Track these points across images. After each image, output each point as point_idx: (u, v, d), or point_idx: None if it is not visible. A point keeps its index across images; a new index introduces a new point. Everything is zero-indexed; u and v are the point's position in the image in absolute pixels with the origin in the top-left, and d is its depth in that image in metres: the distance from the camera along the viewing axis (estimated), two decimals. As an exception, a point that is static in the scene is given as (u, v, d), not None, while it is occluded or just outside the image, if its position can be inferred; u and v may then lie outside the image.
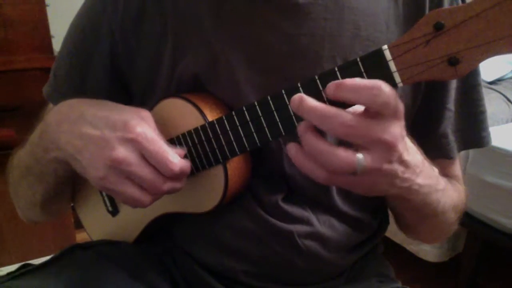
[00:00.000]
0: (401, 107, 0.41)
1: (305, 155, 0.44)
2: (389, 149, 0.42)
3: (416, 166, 0.47)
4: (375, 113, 0.41)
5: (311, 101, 0.42)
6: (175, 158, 0.50)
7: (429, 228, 0.67)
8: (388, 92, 0.40)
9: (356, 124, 0.40)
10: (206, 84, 0.58)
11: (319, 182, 0.44)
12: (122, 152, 0.49)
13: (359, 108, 0.42)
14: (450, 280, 1.74)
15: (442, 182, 0.58)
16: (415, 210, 0.58)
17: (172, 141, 0.56)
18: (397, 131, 0.42)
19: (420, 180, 0.49)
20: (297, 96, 0.43)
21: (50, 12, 1.44)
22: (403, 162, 0.45)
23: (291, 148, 0.45)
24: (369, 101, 0.40)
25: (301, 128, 0.43)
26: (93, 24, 0.60)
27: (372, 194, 0.49)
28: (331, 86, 0.41)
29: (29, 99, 1.35)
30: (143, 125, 0.51)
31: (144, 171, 0.50)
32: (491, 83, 2.02)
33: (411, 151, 0.46)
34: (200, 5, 0.57)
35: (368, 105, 0.40)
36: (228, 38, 0.56)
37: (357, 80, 0.40)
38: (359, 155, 0.42)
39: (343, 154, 0.41)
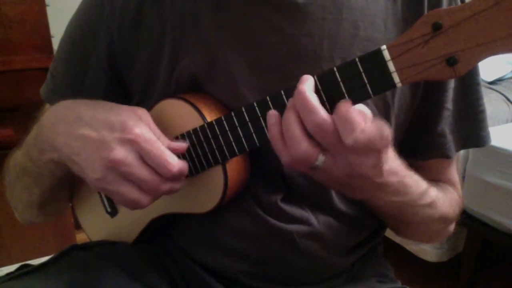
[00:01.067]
0: (387, 142, 0.43)
1: (280, 131, 0.45)
2: (361, 177, 0.45)
3: (387, 186, 0.49)
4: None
5: (311, 93, 0.43)
6: (173, 159, 0.50)
7: (412, 234, 0.70)
8: (368, 139, 0.41)
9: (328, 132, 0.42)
10: (205, 85, 0.58)
11: (282, 163, 0.46)
12: (120, 153, 0.49)
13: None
14: (450, 280, 1.74)
15: (428, 196, 0.59)
16: (389, 217, 0.61)
17: None
18: (370, 164, 0.44)
19: (388, 197, 0.51)
20: (305, 78, 0.44)
21: (50, 12, 1.44)
22: (373, 184, 0.47)
23: (272, 117, 0.46)
24: (352, 142, 0.42)
25: (289, 104, 0.45)
26: (91, 24, 0.60)
27: (335, 191, 0.52)
28: (340, 104, 0.43)
29: (29, 99, 1.35)
30: (141, 125, 0.51)
31: (142, 172, 0.50)
32: (491, 83, 2.02)
33: (385, 174, 0.47)
34: (199, 5, 0.57)
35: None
36: (226, 38, 0.56)
37: (348, 113, 0.42)
38: (321, 157, 0.43)
39: (307, 147, 0.43)
